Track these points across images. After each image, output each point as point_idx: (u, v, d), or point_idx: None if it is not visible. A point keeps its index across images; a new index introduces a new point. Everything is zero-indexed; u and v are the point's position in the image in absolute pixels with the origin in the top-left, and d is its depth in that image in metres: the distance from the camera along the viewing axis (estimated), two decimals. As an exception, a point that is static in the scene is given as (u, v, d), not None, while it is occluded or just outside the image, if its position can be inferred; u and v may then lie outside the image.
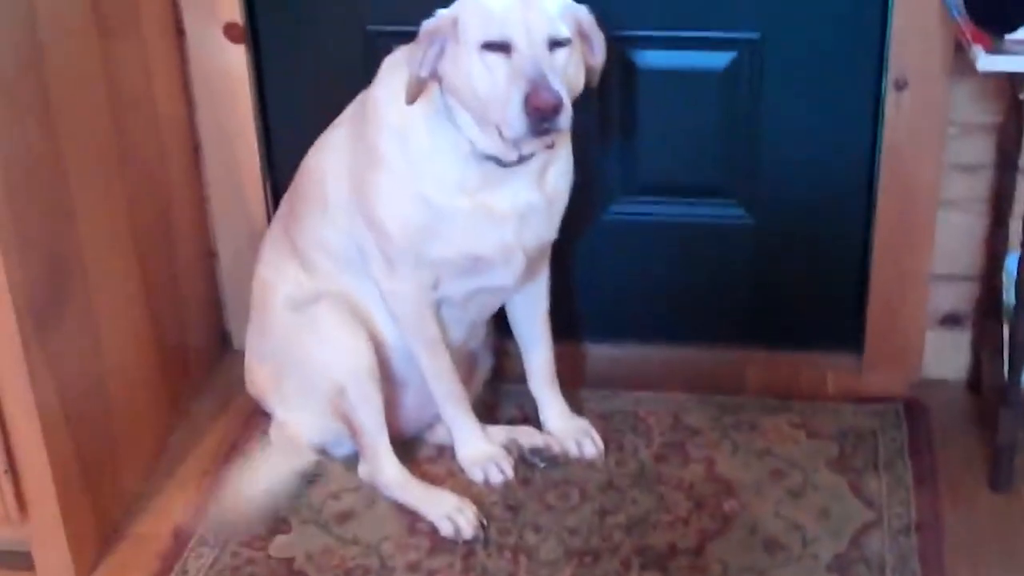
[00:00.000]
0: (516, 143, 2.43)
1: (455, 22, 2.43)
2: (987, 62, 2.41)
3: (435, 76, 2.47)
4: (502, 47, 2.37)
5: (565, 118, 2.35)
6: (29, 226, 2.40)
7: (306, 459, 2.80)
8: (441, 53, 2.44)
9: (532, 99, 2.32)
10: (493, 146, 2.47)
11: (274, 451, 2.80)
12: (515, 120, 2.34)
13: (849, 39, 2.85)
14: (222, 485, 2.77)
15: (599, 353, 3.23)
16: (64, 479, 2.54)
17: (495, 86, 2.37)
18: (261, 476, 2.74)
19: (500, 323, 2.95)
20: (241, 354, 2.98)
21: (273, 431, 2.86)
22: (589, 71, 2.53)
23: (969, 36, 2.47)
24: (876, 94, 2.89)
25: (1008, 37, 2.43)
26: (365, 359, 2.69)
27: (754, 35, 2.88)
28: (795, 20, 2.85)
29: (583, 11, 2.49)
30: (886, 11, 2.79)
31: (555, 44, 2.40)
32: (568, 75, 2.41)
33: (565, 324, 3.02)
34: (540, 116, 2.33)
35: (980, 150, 2.87)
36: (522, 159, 2.51)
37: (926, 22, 2.74)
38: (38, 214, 2.44)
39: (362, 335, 2.70)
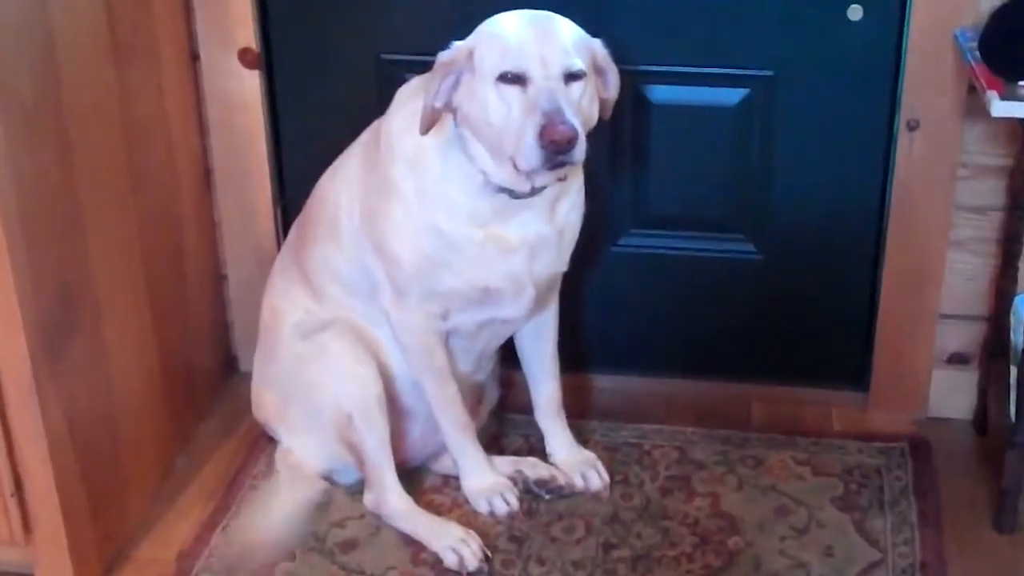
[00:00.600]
0: (530, 175, 2.44)
1: (471, 54, 2.43)
2: (1001, 108, 2.43)
3: (450, 107, 2.47)
4: (518, 79, 2.38)
5: (580, 151, 2.36)
6: (42, 252, 2.41)
7: (316, 488, 2.80)
8: (456, 84, 2.45)
9: (547, 132, 2.32)
10: (506, 178, 2.48)
11: (284, 481, 2.80)
12: (530, 152, 2.35)
13: (862, 79, 2.86)
14: (237, 518, 2.77)
15: (606, 385, 3.24)
16: (70, 502, 2.54)
17: (510, 118, 2.38)
18: (273, 507, 2.74)
19: (507, 353, 2.95)
20: (248, 377, 2.98)
21: (279, 457, 2.87)
22: (603, 104, 2.54)
23: (983, 81, 2.49)
24: (888, 134, 2.90)
25: (1022, 83, 2.45)
26: (372, 388, 2.69)
27: (767, 72, 2.89)
28: (808, 59, 2.86)
29: (598, 45, 2.51)
30: (899, 52, 2.81)
31: (570, 77, 2.40)
32: (583, 108, 2.42)
33: (573, 355, 3.03)
34: (555, 149, 2.33)
35: (990, 192, 2.89)
36: (535, 191, 2.52)
37: (939, 64, 2.76)
38: (51, 240, 2.45)
39: (370, 364, 2.70)
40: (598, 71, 2.50)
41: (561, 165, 2.39)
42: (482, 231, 2.55)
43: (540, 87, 2.36)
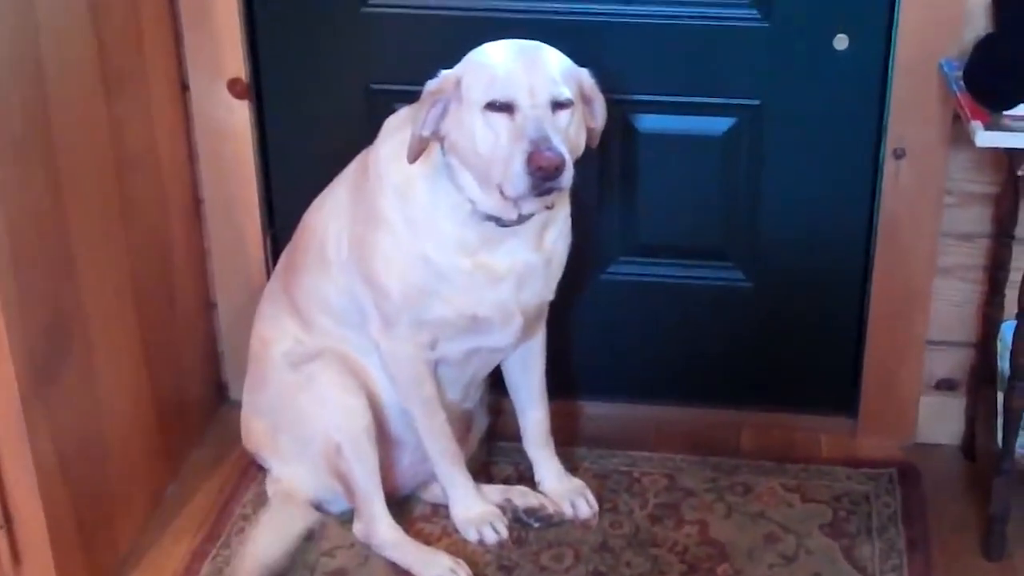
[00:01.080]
0: (517, 202, 2.45)
1: (458, 82, 2.45)
2: (985, 138, 2.44)
3: (437, 135, 2.49)
4: (505, 107, 2.39)
5: (567, 177, 2.37)
6: (32, 282, 2.41)
7: (308, 517, 2.79)
8: (444, 113, 2.47)
9: (535, 158, 2.33)
10: (493, 205, 2.49)
11: (276, 510, 2.79)
12: (517, 179, 2.36)
13: (848, 108, 2.87)
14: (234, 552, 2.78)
15: (595, 412, 3.24)
16: (59, 532, 2.54)
17: (498, 146, 2.39)
18: (264, 536, 2.73)
19: (496, 381, 2.95)
20: (238, 405, 2.99)
21: (269, 486, 2.87)
22: (590, 133, 2.55)
23: (968, 111, 2.50)
24: (874, 162, 2.91)
25: (1006, 113, 2.47)
26: (361, 419, 2.70)
27: (754, 102, 2.91)
28: (795, 88, 2.87)
29: (585, 74, 2.52)
30: (885, 81, 2.82)
31: (557, 105, 2.42)
32: (570, 136, 2.43)
33: (562, 382, 3.04)
34: (543, 175, 2.35)
35: (977, 220, 2.90)
36: (522, 219, 2.53)
37: (925, 93, 2.77)
38: (41, 270, 2.45)
39: (359, 394, 2.71)
40: (585, 100, 2.52)
41: (548, 192, 2.40)
42: (470, 260, 2.55)
43: (528, 115, 2.38)
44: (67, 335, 2.55)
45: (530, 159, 2.34)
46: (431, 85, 2.48)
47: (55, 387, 2.51)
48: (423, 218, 2.54)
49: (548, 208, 2.56)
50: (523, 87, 2.39)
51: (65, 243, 2.54)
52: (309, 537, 2.78)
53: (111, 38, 2.67)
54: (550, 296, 2.74)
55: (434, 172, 2.53)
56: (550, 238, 2.64)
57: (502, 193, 2.42)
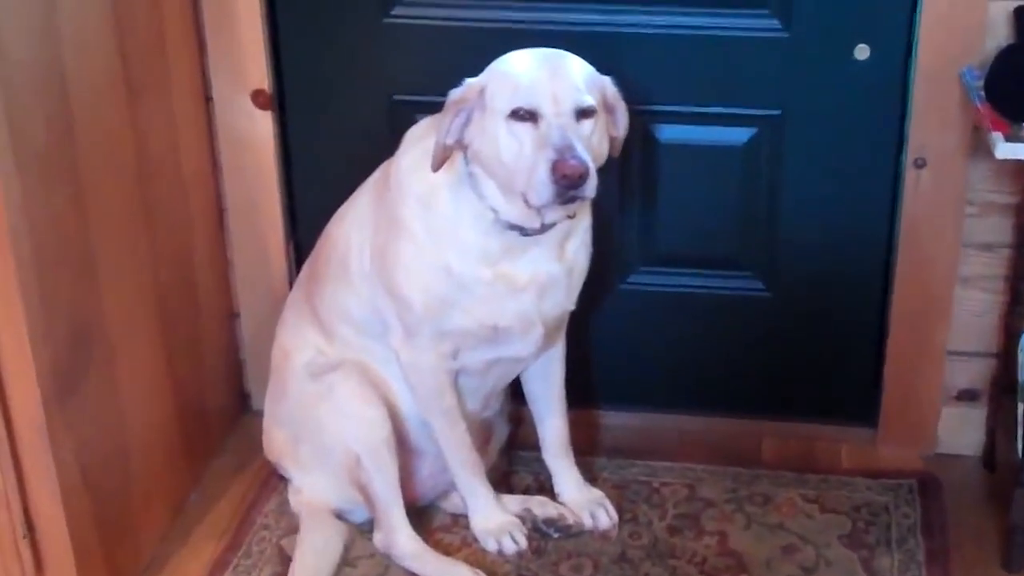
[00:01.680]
0: (541, 210, 2.45)
1: (482, 91, 2.45)
2: (1006, 150, 2.44)
3: (461, 144, 2.49)
4: (529, 116, 2.40)
5: (591, 186, 2.38)
6: (55, 292, 2.43)
7: (343, 534, 2.81)
8: (467, 121, 2.47)
9: (559, 167, 2.34)
10: (517, 214, 2.49)
11: (312, 535, 2.79)
12: (542, 187, 2.36)
13: (869, 118, 2.87)
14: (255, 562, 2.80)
15: (615, 421, 3.24)
16: (81, 542, 2.56)
17: (522, 154, 2.40)
18: (313, 560, 2.74)
19: (516, 390, 2.96)
20: (259, 415, 3.00)
21: (291, 496, 2.88)
22: (612, 142, 2.56)
23: (988, 122, 2.50)
24: (895, 172, 2.91)
25: (1026, 124, 2.46)
26: (381, 430, 2.71)
27: (775, 112, 2.91)
28: (816, 98, 2.87)
29: (608, 82, 2.53)
30: (906, 91, 2.82)
31: (581, 114, 2.42)
32: (593, 144, 2.44)
33: (581, 392, 3.05)
34: (567, 184, 2.35)
35: (998, 229, 2.89)
36: (544, 228, 2.53)
37: (946, 103, 2.77)
38: (64, 281, 2.47)
39: (379, 405, 2.72)
40: (608, 109, 2.52)
41: (572, 200, 2.40)
42: (492, 270, 2.56)
43: (552, 123, 2.38)
44: (90, 344, 2.57)
45: (554, 167, 2.34)
46: (455, 94, 2.49)
47: (77, 397, 2.52)
48: (445, 228, 2.55)
49: (570, 217, 2.56)
50: (547, 95, 2.40)
51: (88, 253, 2.56)
52: (341, 550, 2.80)
53: (135, 49, 2.69)
54: (571, 306, 2.74)
55: (457, 181, 2.53)
56: (571, 248, 2.64)
57: (526, 202, 2.42)
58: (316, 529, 2.80)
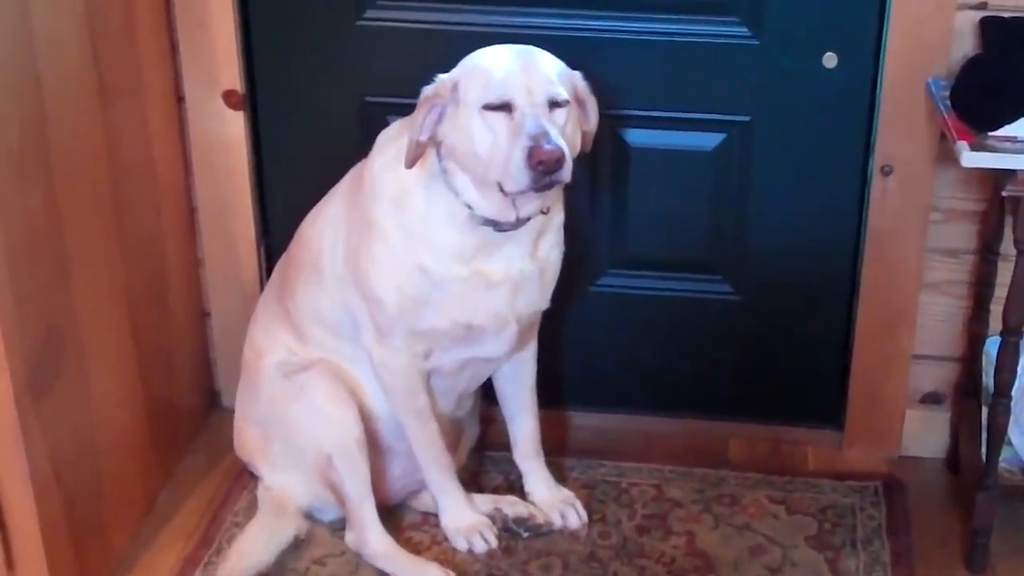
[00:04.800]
0: (516, 200, 2.47)
1: (455, 86, 2.47)
2: (971, 159, 2.47)
3: (434, 140, 2.51)
4: (503, 107, 2.42)
5: (567, 171, 2.40)
6: (28, 292, 2.43)
7: (296, 525, 2.82)
8: (440, 118, 2.49)
9: (536, 153, 2.36)
10: (492, 208, 2.51)
11: (265, 517, 2.82)
12: (518, 174, 2.38)
13: (837, 125, 2.91)
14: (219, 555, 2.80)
15: (584, 422, 3.27)
16: (52, 540, 2.56)
17: (497, 144, 2.41)
18: (253, 542, 2.76)
19: (487, 391, 2.98)
20: (230, 412, 3.02)
21: (261, 493, 2.89)
22: (584, 136, 2.58)
23: (954, 131, 2.53)
24: (862, 179, 2.95)
25: (992, 134, 2.49)
26: (353, 430, 2.72)
27: (744, 118, 2.94)
28: (785, 105, 2.90)
29: (578, 77, 2.55)
30: (874, 100, 2.86)
31: (554, 105, 2.44)
32: (567, 133, 2.46)
33: (551, 392, 3.07)
34: (544, 170, 2.37)
35: (963, 236, 2.94)
36: (519, 222, 2.55)
37: (912, 111, 2.81)
38: (37, 281, 2.47)
39: (350, 405, 2.73)
40: (579, 102, 2.55)
41: (549, 186, 2.42)
42: (466, 267, 2.57)
43: (526, 112, 2.40)
44: (62, 343, 2.58)
45: (531, 154, 2.36)
46: (428, 90, 2.50)
47: (50, 396, 2.53)
48: (419, 227, 2.57)
49: (544, 213, 2.58)
50: (521, 87, 2.42)
51: (61, 253, 2.56)
52: (296, 545, 2.81)
53: (107, 50, 2.69)
54: (545, 305, 2.76)
55: (430, 179, 2.55)
56: (545, 246, 2.66)
57: (502, 189, 2.43)
58: (269, 516, 2.81)
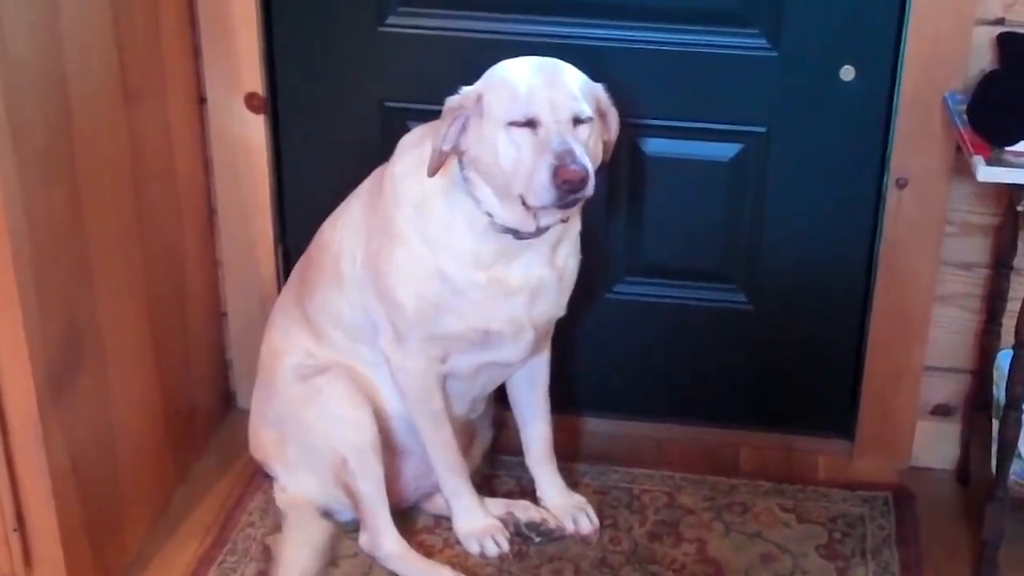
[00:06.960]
0: (538, 213, 2.49)
1: (479, 98, 2.49)
2: (986, 173, 2.48)
3: (457, 150, 2.53)
4: (528, 123, 2.44)
5: (590, 188, 2.43)
6: (51, 292, 2.46)
7: (328, 530, 2.84)
8: (464, 128, 2.51)
9: (561, 172, 2.38)
10: (512, 218, 2.53)
11: (297, 528, 2.82)
12: (543, 191, 2.40)
13: (853, 137, 2.92)
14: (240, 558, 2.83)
15: (597, 428, 3.28)
16: (70, 537, 2.59)
17: (521, 160, 2.43)
18: (299, 557, 2.77)
19: (499, 395, 3.00)
20: (245, 414, 3.03)
21: (276, 494, 2.91)
22: (604, 146, 2.60)
23: (970, 146, 2.54)
24: (877, 191, 2.96)
25: (1008, 149, 2.51)
26: (368, 433, 2.74)
27: (761, 129, 2.95)
28: (801, 117, 2.92)
29: (600, 89, 2.57)
30: (890, 113, 2.87)
31: (578, 121, 2.46)
32: (589, 148, 2.48)
33: (564, 398, 3.08)
34: (568, 188, 2.39)
35: (976, 249, 2.95)
36: (539, 231, 2.56)
37: (928, 125, 2.82)
38: (59, 279, 2.50)
39: (366, 408, 2.75)
40: (600, 114, 2.56)
41: (573, 204, 2.46)
42: (485, 274, 2.59)
43: (551, 130, 2.42)
44: (83, 342, 2.60)
45: (556, 173, 2.38)
46: (452, 101, 2.52)
47: (70, 394, 2.55)
48: (440, 233, 2.58)
49: (563, 222, 2.60)
50: (545, 103, 2.44)
51: (83, 253, 2.59)
52: (325, 550, 2.82)
53: (132, 51, 2.72)
54: (561, 312, 2.78)
55: (451, 186, 2.56)
56: (563, 254, 2.68)
57: (524, 203, 2.46)
58: (301, 527, 2.82)
